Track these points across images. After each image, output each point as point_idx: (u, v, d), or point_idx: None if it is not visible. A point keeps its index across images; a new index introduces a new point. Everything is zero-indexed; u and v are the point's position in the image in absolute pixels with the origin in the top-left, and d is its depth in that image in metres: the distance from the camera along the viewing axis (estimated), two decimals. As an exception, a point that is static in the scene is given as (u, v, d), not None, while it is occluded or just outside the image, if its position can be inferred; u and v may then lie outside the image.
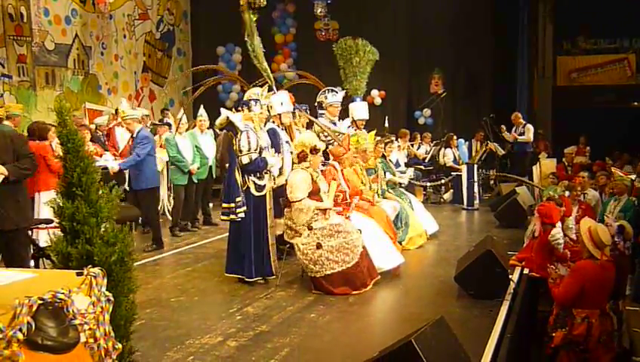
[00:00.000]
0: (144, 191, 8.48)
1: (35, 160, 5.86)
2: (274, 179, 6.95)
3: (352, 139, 8.20)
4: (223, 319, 5.58)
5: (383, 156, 9.50)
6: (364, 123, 9.44)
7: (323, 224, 6.40)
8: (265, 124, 7.12)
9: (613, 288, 5.09)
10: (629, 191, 7.51)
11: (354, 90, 10.50)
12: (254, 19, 8.08)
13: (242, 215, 6.55)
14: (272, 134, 7.14)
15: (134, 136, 8.49)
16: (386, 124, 11.14)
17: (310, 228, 6.38)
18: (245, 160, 6.55)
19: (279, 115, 7.60)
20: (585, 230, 4.99)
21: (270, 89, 7.67)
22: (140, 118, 9.14)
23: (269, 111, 7.36)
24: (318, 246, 6.27)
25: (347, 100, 10.25)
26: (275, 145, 7.10)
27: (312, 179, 6.57)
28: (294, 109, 8.14)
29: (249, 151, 6.55)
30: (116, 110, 10.19)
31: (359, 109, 9.53)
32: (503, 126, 13.56)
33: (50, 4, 11.50)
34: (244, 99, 7.06)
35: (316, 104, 9.05)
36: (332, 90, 9.03)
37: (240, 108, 6.95)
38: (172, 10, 15.56)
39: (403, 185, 9.77)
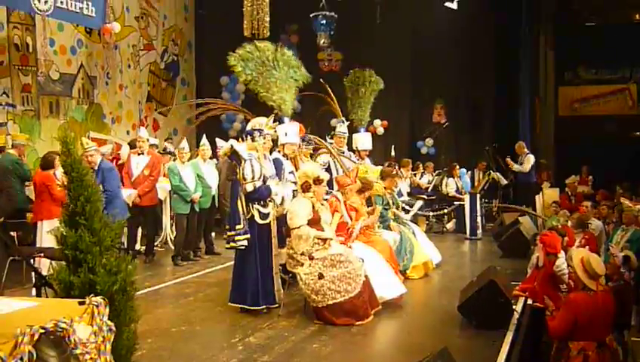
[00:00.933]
0: None
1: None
2: (277, 207, 6.97)
3: (360, 170, 8.24)
4: (225, 349, 5.54)
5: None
6: (367, 153, 9.51)
7: (324, 254, 6.38)
8: (270, 153, 7.17)
9: (614, 319, 5.03)
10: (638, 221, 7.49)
11: (358, 120, 10.58)
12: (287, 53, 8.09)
13: (244, 243, 6.54)
14: (276, 164, 7.19)
15: (96, 169, 8.19)
16: (392, 153, 11.21)
17: (312, 258, 6.35)
18: (249, 188, 6.58)
19: (283, 145, 7.64)
20: (578, 261, 4.94)
21: (276, 119, 7.66)
22: (99, 151, 8.89)
23: (273, 141, 7.41)
24: (320, 276, 6.25)
25: (352, 131, 10.36)
26: (277, 174, 7.16)
27: (314, 207, 6.57)
28: (303, 140, 8.19)
29: (253, 179, 6.58)
30: (133, 140, 10.31)
31: (363, 140, 9.61)
32: (508, 158, 13.60)
33: (56, 35, 11.63)
34: (248, 128, 7.10)
35: (332, 133, 9.17)
36: (341, 121, 9.18)
37: (244, 138, 6.99)
38: (177, 41, 15.73)
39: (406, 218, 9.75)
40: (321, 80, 9.64)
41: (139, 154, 9.57)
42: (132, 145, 10.23)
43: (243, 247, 6.57)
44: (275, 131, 7.49)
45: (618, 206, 7.80)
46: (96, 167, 8.13)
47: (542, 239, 6.18)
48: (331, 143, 9.24)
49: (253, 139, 6.85)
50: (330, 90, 9.75)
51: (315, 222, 6.52)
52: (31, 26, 11.06)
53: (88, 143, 8.44)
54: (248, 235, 6.56)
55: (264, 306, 6.64)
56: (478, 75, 15.42)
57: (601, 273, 4.92)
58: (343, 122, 9.46)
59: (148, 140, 9.77)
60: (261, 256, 6.66)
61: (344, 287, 6.22)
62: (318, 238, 6.46)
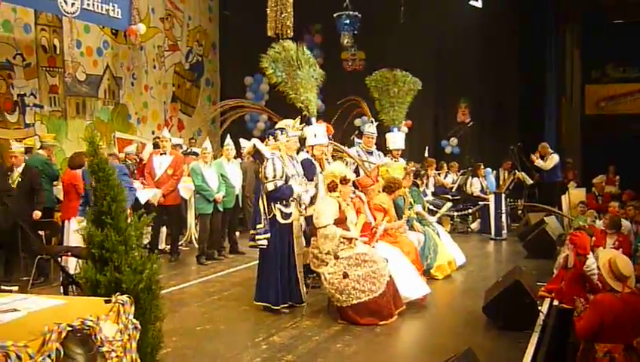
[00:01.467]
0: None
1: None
2: (305, 208, 6.96)
3: (381, 170, 8.21)
4: (249, 348, 5.56)
5: (416, 185, 9.51)
6: (399, 153, 9.50)
7: (349, 253, 6.38)
8: (297, 153, 7.19)
9: (640, 322, 4.95)
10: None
11: (390, 120, 10.54)
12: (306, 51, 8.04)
13: (264, 242, 6.58)
14: (308, 165, 7.20)
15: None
16: (426, 154, 11.16)
17: (336, 258, 6.35)
18: (270, 187, 6.60)
19: (312, 146, 7.68)
20: (604, 262, 4.87)
21: (302, 120, 7.60)
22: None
23: (301, 142, 7.42)
24: (345, 275, 6.24)
25: (384, 130, 10.35)
26: (310, 174, 7.19)
27: (340, 207, 6.57)
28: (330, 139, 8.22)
29: (274, 178, 6.60)
30: (156, 140, 10.43)
31: (395, 139, 9.60)
32: (533, 156, 13.46)
33: (82, 36, 11.78)
34: (277, 127, 7.13)
35: (356, 133, 9.15)
36: (370, 122, 9.18)
37: (266, 138, 7.02)
38: (201, 42, 15.83)
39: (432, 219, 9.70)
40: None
41: (161, 154, 9.66)
42: (156, 144, 10.33)
43: (263, 246, 6.61)
44: (302, 132, 7.47)
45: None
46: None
47: (572, 239, 6.11)
48: (359, 143, 9.24)
49: (275, 139, 6.87)
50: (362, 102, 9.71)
51: (341, 222, 6.52)
52: (58, 27, 11.22)
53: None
54: (268, 235, 6.59)
55: (286, 305, 6.67)
56: (502, 74, 15.25)
57: (629, 274, 4.84)
58: (372, 122, 9.44)
59: (170, 140, 9.85)
60: (282, 255, 6.68)
61: (368, 287, 6.21)
62: (344, 238, 6.46)
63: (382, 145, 9.96)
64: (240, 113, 8.56)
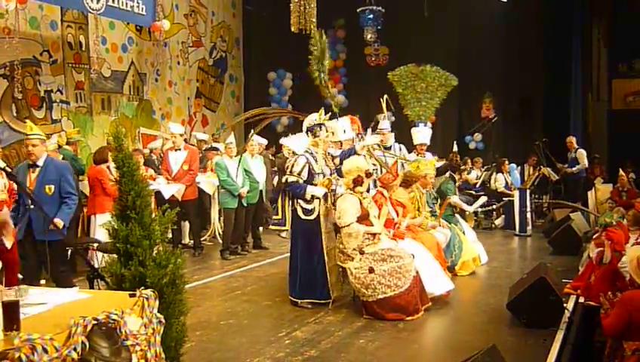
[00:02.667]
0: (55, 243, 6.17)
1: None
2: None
3: (412, 165, 8.18)
4: (272, 343, 5.58)
5: (453, 179, 9.51)
6: (424, 148, 9.46)
7: (375, 249, 6.37)
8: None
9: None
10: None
11: (416, 115, 10.48)
12: (325, 40, 7.79)
13: (282, 234, 6.64)
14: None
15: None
16: (455, 148, 11.09)
17: (362, 253, 6.35)
18: (283, 179, 6.67)
19: (341, 142, 7.68)
20: (633, 258, 4.81)
21: (327, 112, 7.52)
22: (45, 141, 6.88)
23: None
24: (371, 270, 6.24)
25: (410, 125, 10.33)
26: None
27: (362, 203, 6.55)
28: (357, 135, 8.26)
29: (290, 173, 6.65)
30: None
31: (420, 134, 9.56)
32: (560, 165, 13.33)
33: (107, 33, 11.89)
34: (307, 125, 7.04)
35: (371, 127, 9.13)
36: (383, 117, 9.14)
37: (308, 133, 6.97)
38: (224, 38, 15.88)
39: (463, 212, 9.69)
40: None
41: (176, 150, 9.66)
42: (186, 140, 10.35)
43: (283, 237, 6.67)
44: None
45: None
46: (39, 162, 6.34)
47: (609, 235, 6.02)
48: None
49: (315, 135, 6.86)
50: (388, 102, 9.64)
51: (364, 218, 6.51)
52: (84, 24, 11.34)
53: (32, 129, 6.45)
54: (285, 227, 6.64)
55: (306, 300, 6.69)
56: (527, 69, 15.10)
57: None
58: (384, 118, 9.39)
59: (182, 135, 9.81)
60: (306, 252, 6.67)
61: (394, 282, 6.20)
62: (368, 233, 6.45)
63: (407, 141, 9.90)
64: (270, 118, 8.44)
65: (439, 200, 8.84)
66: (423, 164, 8.34)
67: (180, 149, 9.65)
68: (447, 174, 9.82)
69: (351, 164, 6.72)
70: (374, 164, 8.27)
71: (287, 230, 6.71)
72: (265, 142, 10.67)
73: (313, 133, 6.89)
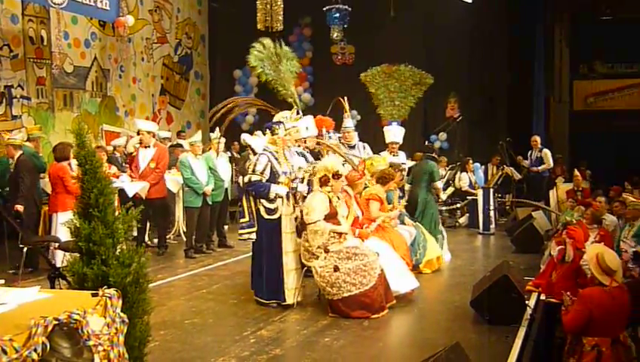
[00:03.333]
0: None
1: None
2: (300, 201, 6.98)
3: (367, 163, 8.23)
4: (237, 342, 5.55)
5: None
6: (396, 146, 9.55)
7: (339, 247, 6.39)
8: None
9: (629, 315, 4.99)
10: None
11: (389, 114, 10.59)
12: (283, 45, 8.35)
13: (251, 236, 6.59)
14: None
15: (14, 163, 7.87)
16: (427, 143, 11.21)
17: (327, 251, 6.36)
18: (245, 179, 6.65)
19: (304, 139, 7.72)
20: (592, 256, 4.92)
21: (297, 113, 7.72)
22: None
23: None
24: (336, 268, 6.25)
25: (382, 124, 10.42)
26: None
27: (331, 202, 6.57)
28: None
29: (252, 172, 6.58)
30: (138, 132, 10.32)
31: (392, 132, 9.66)
32: (520, 157, 13.52)
33: (70, 28, 11.70)
34: (274, 121, 7.12)
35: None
36: (347, 117, 9.24)
37: (264, 132, 6.97)
38: (190, 34, 15.76)
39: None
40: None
41: (146, 147, 9.55)
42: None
43: (252, 240, 6.62)
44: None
45: (626, 202, 7.73)
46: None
47: (570, 234, 6.12)
48: (340, 137, 9.27)
49: (273, 133, 6.84)
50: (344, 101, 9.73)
51: (332, 216, 6.53)
52: (45, 19, 11.14)
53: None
54: (254, 228, 6.58)
55: (273, 301, 6.65)
56: (491, 70, 15.31)
57: (616, 268, 4.88)
58: (348, 117, 9.47)
59: (150, 133, 9.64)
60: (269, 252, 6.62)
61: (359, 280, 6.22)
62: (334, 232, 6.47)
63: (378, 140, 9.98)
64: (239, 111, 8.57)
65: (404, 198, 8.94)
66: (376, 161, 8.40)
67: (149, 147, 9.53)
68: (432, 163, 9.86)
69: (321, 163, 6.84)
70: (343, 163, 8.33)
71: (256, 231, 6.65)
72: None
73: (272, 131, 6.87)
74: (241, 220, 6.64)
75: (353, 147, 9.07)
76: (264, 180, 6.58)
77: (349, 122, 9.29)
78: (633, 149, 15.73)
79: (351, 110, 11.82)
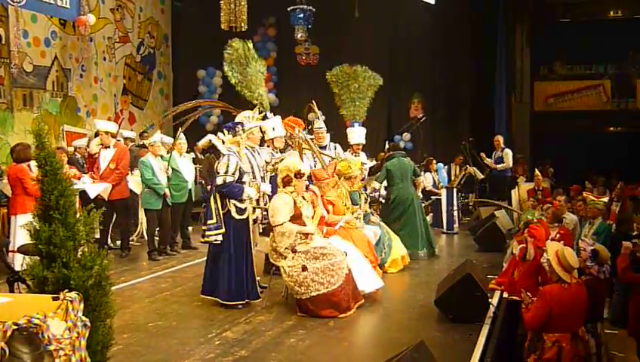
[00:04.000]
0: None
1: None
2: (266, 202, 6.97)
3: (342, 165, 8.26)
4: (202, 344, 5.51)
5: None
6: (360, 147, 9.63)
7: (307, 247, 6.41)
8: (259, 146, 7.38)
9: (587, 311, 5.11)
10: (605, 214, 7.59)
11: (351, 115, 10.66)
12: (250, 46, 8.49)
13: (218, 238, 6.52)
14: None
15: None
16: (387, 147, 11.26)
17: (294, 251, 6.38)
18: (219, 181, 6.56)
19: (272, 139, 7.83)
20: (552, 253, 5.02)
21: (261, 112, 7.77)
22: None
23: (262, 134, 7.61)
24: (304, 268, 6.28)
25: (344, 125, 10.49)
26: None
27: (295, 203, 6.58)
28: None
29: (225, 173, 6.53)
30: (96, 133, 10.15)
31: (355, 134, 9.73)
32: (482, 153, 13.71)
33: (29, 26, 11.45)
34: (232, 123, 7.12)
35: (309, 127, 9.30)
36: (317, 118, 9.34)
37: (225, 133, 6.94)
38: (153, 34, 15.58)
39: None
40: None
41: (106, 147, 9.42)
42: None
43: (217, 242, 6.55)
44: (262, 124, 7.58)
45: (587, 201, 7.91)
46: None
47: (531, 233, 6.22)
48: (312, 138, 9.30)
49: (235, 134, 6.81)
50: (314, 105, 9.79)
51: (297, 217, 6.54)
52: (3, 17, 10.89)
53: None
54: (221, 230, 6.53)
55: (243, 302, 6.61)
56: (455, 70, 15.50)
57: (575, 266, 5.00)
58: (319, 118, 9.54)
59: (108, 133, 9.50)
60: (237, 252, 6.59)
61: (327, 279, 6.26)
62: (301, 233, 6.48)
63: (341, 140, 10.03)
64: (199, 113, 8.56)
65: (368, 200, 9.00)
66: (353, 164, 8.44)
67: (109, 147, 9.40)
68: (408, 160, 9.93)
69: (283, 163, 6.91)
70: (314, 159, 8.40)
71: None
72: (171, 140, 10.42)
73: (234, 131, 6.84)
74: (209, 222, 6.56)
75: (324, 147, 9.16)
76: (234, 181, 6.58)
77: (320, 123, 9.43)
78: (592, 149, 16.08)
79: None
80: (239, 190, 6.59)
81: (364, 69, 10.94)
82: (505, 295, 6.38)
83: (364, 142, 9.80)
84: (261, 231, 7.69)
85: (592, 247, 5.83)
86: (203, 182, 11.63)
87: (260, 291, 6.82)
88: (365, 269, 7.04)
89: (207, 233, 6.56)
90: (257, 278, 6.87)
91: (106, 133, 9.43)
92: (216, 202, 6.60)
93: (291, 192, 6.61)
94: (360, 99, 10.82)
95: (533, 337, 5.12)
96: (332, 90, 10.96)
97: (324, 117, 9.97)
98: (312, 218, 6.81)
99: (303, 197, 6.79)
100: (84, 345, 3.04)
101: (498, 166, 13.54)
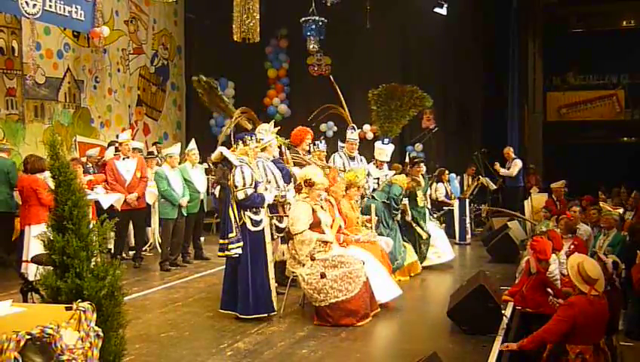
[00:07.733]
0: None
1: None
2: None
3: (350, 175, 8.26)
4: (214, 355, 5.51)
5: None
6: (383, 164, 9.69)
7: (326, 256, 6.46)
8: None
9: (607, 323, 5.06)
10: (619, 225, 7.53)
11: (384, 131, 10.73)
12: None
13: (237, 250, 6.46)
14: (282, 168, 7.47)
15: None
16: (407, 160, 11.27)
17: (313, 259, 6.43)
18: (241, 195, 6.50)
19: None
20: (573, 265, 4.97)
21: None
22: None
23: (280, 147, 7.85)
24: (322, 275, 6.34)
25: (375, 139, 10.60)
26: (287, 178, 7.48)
27: (314, 211, 6.60)
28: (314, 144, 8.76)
29: (244, 186, 6.50)
30: (110, 142, 10.22)
31: (384, 152, 9.81)
32: (497, 164, 13.66)
33: (42, 39, 11.54)
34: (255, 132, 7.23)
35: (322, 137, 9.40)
36: (352, 128, 9.49)
37: (236, 143, 6.96)
38: (166, 45, 15.68)
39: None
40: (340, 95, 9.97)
41: (124, 158, 9.48)
42: (116, 149, 10.13)
43: (236, 256, 6.50)
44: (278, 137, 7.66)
45: (602, 211, 7.84)
46: None
47: (532, 245, 6.19)
48: (342, 148, 9.46)
49: (244, 144, 6.81)
50: (343, 102, 9.83)
51: (316, 225, 6.59)
52: (17, 29, 10.98)
53: None
54: (241, 243, 6.49)
55: (255, 315, 6.52)
56: (467, 81, 15.44)
57: (597, 277, 4.93)
58: (354, 128, 9.57)
59: (129, 144, 9.67)
60: (254, 264, 6.53)
61: (345, 287, 6.30)
62: (320, 241, 6.53)
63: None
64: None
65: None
66: (359, 172, 8.44)
67: (128, 157, 9.49)
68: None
69: (300, 171, 7.09)
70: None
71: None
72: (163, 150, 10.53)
73: (243, 141, 6.85)
74: (230, 235, 6.51)
75: (353, 158, 9.20)
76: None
77: (355, 134, 9.52)
78: (604, 160, 15.96)
79: (327, 122, 11.93)
80: (261, 199, 6.61)
81: (414, 89, 11.05)
82: (518, 306, 6.32)
83: (388, 159, 9.91)
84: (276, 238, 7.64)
85: (611, 259, 5.80)
86: (216, 193, 11.62)
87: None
88: (383, 279, 7.03)
89: (230, 246, 6.47)
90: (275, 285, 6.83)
91: (127, 144, 9.54)
92: (234, 214, 6.56)
93: (305, 198, 6.66)
94: (399, 117, 10.92)
95: (553, 348, 5.07)
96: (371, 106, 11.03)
97: (335, 128, 10.02)
98: (331, 227, 6.84)
99: (322, 207, 6.81)
100: (96, 355, 3.04)
101: (501, 171, 13.53)
